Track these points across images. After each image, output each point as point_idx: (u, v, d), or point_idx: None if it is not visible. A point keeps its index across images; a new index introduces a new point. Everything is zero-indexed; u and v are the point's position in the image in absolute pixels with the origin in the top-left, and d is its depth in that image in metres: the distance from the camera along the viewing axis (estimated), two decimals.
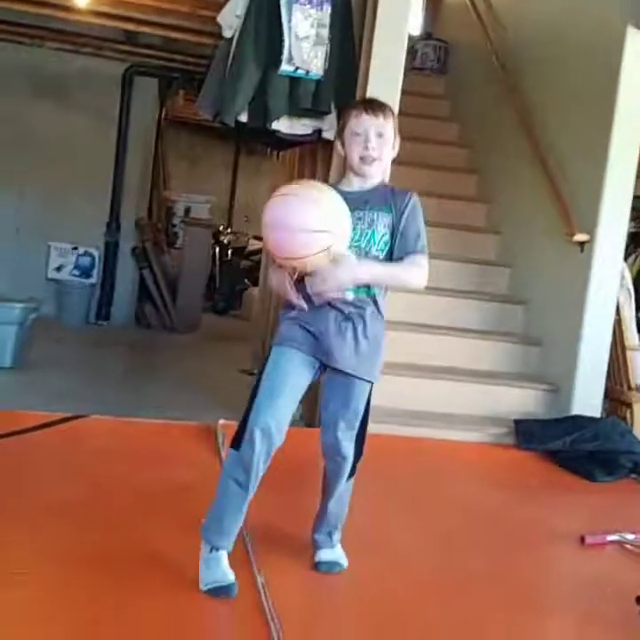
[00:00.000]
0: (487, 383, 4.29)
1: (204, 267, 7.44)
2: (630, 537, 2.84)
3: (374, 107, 2.22)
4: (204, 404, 4.04)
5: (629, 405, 4.23)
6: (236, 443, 2.10)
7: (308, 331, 2.13)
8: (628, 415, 4.21)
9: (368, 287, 2.15)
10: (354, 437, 2.22)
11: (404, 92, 3.85)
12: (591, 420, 4.02)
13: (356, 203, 2.17)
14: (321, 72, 3.82)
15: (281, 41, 3.75)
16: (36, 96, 6.33)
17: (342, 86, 3.83)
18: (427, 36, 7.03)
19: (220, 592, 2.06)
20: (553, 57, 4.90)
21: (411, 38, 4.10)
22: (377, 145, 2.19)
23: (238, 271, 8.50)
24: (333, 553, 2.33)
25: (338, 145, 2.29)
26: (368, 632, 2.08)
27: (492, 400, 4.21)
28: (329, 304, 2.11)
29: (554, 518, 3.15)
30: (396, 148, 2.27)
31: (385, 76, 3.82)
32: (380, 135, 2.19)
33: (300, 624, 2.03)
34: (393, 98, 3.81)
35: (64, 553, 2.25)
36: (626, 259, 4.51)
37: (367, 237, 2.17)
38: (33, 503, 2.59)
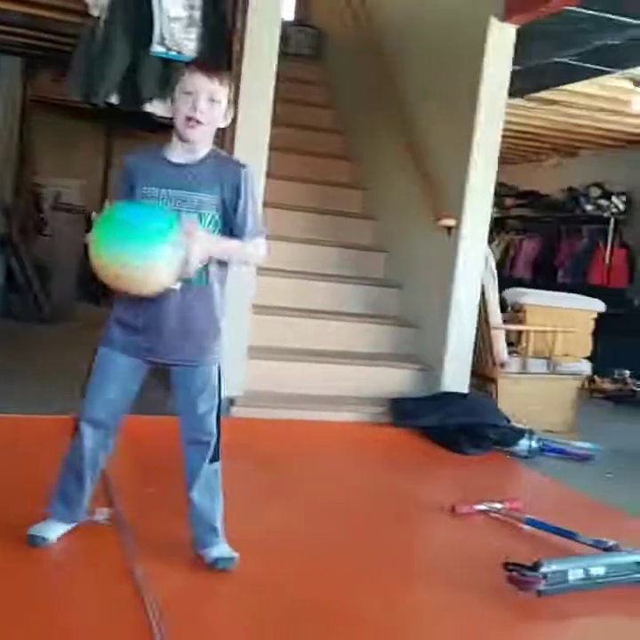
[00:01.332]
0: (365, 365, 4.39)
1: (76, 253, 7.17)
2: (498, 506, 2.99)
3: (210, 69, 2.13)
4: (74, 396, 3.90)
5: (494, 381, 4.46)
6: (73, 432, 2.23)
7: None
8: (494, 390, 4.44)
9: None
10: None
11: (279, 78, 3.87)
12: (461, 396, 4.22)
13: (181, 180, 2.11)
14: (194, 54, 3.76)
15: (151, 21, 3.67)
16: None
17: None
18: (299, 22, 7.06)
19: (36, 540, 2.21)
20: (420, 44, 5.03)
21: (284, 24, 4.10)
22: (206, 109, 2.07)
23: None
24: (224, 548, 2.25)
25: (168, 105, 2.17)
26: (250, 616, 2.08)
27: (369, 381, 4.32)
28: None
29: (426, 490, 3.29)
30: (228, 118, 2.17)
31: (259, 59, 3.81)
32: (211, 100, 2.07)
33: (181, 614, 2.01)
34: (268, 82, 3.83)
35: None
36: (490, 243, 4.73)
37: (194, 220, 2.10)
38: None
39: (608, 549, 2.60)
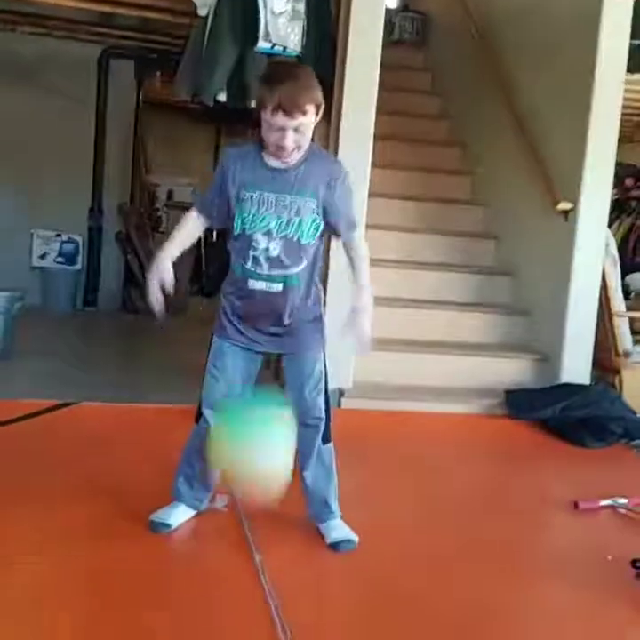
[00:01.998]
0: (476, 355, 4.30)
1: (189, 250, 7.36)
2: (623, 501, 2.86)
3: (289, 107, 2.00)
4: (194, 387, 4.02)
5: (617, 372, 4.26)
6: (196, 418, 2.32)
7: None
8: (617, 381, 4.24)
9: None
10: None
11: (383, 66, 3.82)
12: (581, 387, 4.04)
13: (282, 185, 2.12)
14: (299, 48, 3.78)
15: (256, 17, 3.70)
16: (10, 82, 6.23)
17: (320, 62, 3.80)
18: (404, 8, 6.97)
19: (158, 527, 2.30)
20: (532, 26, 4.87)
21: (387, 11, 4.05)
22: (295, 139, 2.05)
23: (224, 253, 8.45)
24: (342, 529, 2.33)
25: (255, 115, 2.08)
26: (369, 606, 2.09)
27: (481, 372, 4.22)
28: None
29: (546, 485, 3.17)
30: (320, 115, 2.11)
31: (364, 49, 3.79)
32: (297, 130, 2.04)
33: (300, 601, 2.04)
34: (372, 71, 3.80)
35: (73, 538, 2.26)
36: (609, 226, 4.51)
37: (295, 226, 2.13)
38: (37, 488, 2.59)
39: None
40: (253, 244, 2.15)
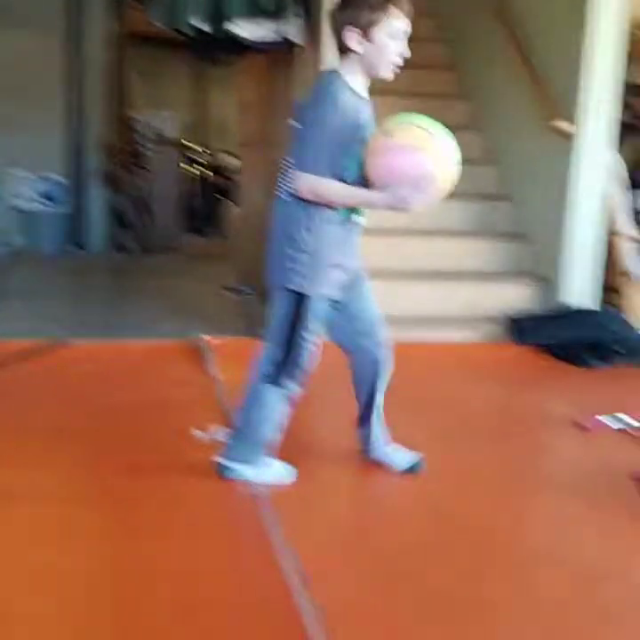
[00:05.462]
0: (478, 282, 4.26)
1: (175, 185, 7.24)
2: (625, 418, 2.88)
3: (408, 9, 2.04)
4: (187, 322, 4.00)
5: (618, 291, 4.24)
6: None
7: None
8: (619, 301, 4.23)
9: None
10: None
11: None
12: (584, 311, 4.04)
13: (370, 116, 2.11)
14: None
15: None
16: None
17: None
18: None
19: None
20: None
21: None
22: None
23: (217, 190, 8.35)
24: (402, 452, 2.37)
25: (353, 38, 1.99)
26: (377, 518, 2.10)
27: (486, 299, 4.19)
28: None
29: (550, 405, 3.18)
30: None
31: None
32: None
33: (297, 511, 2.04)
34: None
35: (74, 475, 2.23)
36: (620, 149, 4.39)
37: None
38: (32, 427, 2.57)
39: None
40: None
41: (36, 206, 6.39)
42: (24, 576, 1.74)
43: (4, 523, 1.97)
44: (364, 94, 2.08)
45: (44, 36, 6.09)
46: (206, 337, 3.55)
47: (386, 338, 2.32)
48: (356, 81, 2.05)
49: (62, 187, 6.47)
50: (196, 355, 3.43)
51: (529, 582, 1.84)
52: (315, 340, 2.13)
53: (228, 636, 1.57)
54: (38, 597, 1.66)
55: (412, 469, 2.35)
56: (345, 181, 2.02)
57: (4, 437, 2.47)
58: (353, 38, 1.99)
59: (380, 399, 2.35)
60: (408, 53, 2.03)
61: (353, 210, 2.10)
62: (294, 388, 2.15)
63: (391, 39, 2.00)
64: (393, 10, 1.99)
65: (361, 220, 2.15)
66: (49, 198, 6.45)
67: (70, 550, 1.86)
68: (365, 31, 1.98)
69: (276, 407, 2.15)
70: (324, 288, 2.10)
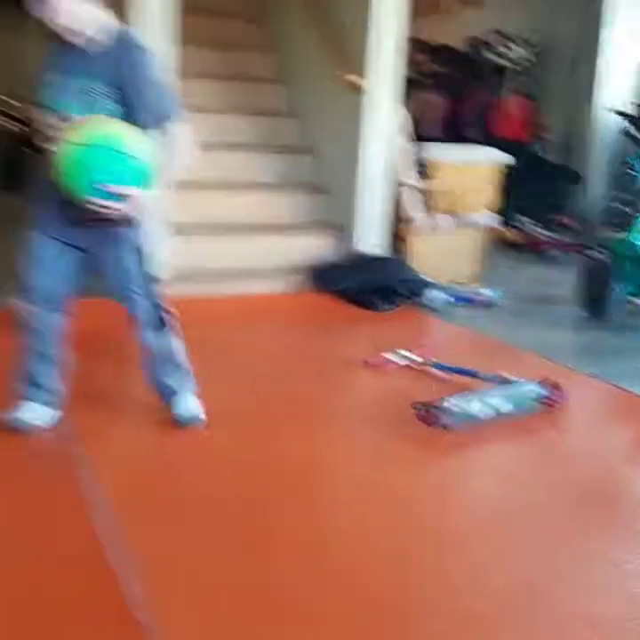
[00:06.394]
0: (281, 234, 4.47)
1: None
2: (407, 354, 3.24)
3: None
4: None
5: (405, 239, 4.61)
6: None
7: None
8: (405, 248, 4.61)
9: None
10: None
11: None
12: (376, 258, 4.41)
13: (76, 68, 2.03)
14: None
15: None
16: None
17: None
18: None
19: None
20: None
21: None
22: None
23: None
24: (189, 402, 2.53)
25: None
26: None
27: (287, 250, 4.41)
28: None
29: (344, 348, 3.54)
30: None
31: None
32: None
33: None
34: None
35: None
36: (407, 104, 4.69)
37: (90, 110, 2.05)
38: None
39: (505, 382, 2.92)
40: None
41: None
42: None
43: None
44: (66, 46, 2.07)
45: None
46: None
47: None
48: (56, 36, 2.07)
49: None
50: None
51: (321, 496, 2.19)
52: None
53: (44, 587, 1.74)
54: None
55: (191, 420, 2.51)
56: None
57: None
58: None
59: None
60: None
61: None
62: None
63: None
64: None
65: None
66: None
67: None
68: None
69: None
70: None
